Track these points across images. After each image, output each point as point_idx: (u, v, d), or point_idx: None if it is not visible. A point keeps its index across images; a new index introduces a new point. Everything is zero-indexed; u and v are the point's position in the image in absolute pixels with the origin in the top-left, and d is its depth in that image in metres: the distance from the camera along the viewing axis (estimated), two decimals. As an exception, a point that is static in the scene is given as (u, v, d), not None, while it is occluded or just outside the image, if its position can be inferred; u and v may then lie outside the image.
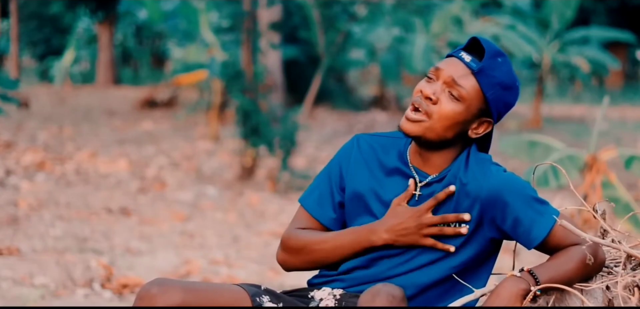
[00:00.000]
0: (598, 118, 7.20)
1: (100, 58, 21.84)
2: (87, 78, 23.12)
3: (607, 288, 2.34)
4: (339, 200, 2.53)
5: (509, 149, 7.87)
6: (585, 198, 6.75)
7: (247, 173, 10.03)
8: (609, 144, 9.56)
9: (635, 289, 2.34)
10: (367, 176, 2.50)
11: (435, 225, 2.39)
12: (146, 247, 6.75)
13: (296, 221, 2.56)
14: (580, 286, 2.33)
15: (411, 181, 2.41)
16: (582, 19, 23.07)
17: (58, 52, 22.29)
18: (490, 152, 2.52)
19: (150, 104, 17.05)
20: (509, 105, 2.44)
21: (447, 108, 2.38)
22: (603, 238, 2.42)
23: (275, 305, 2.42)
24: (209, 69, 13.36)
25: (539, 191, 2.42)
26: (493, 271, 2.50)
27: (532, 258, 5.36)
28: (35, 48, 23.55)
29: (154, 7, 20.91)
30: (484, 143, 2.50)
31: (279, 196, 9.32)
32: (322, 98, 17.95)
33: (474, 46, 2.42)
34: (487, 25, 18.44)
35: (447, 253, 2.41)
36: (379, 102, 19.42)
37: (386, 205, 2.45)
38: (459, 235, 2.38)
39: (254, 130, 9.72)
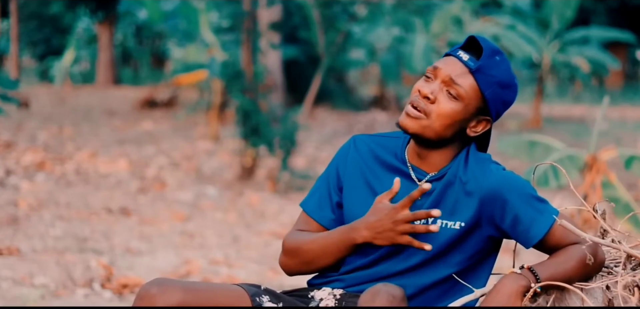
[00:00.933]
0: (598, 118, 7.20)
1: (100, 58, 21.84)
2: (87, 78, 23.12)
3: (607, 287, 2.34)
4: (337, 201, 2.53)
5: (509, 149, 7.87)
6: (585, 198, 6.75)
7: (247, 173, 10.03)
8: (609, 144, 9.56)
9: (635, 289, 2.34)
10: (365, 176, 2.50)
11: (408, 222, 2.38)
12: (146, 247, 6.75)
13: (297, 224, 2.58)
14: (580, 285, 2.33)
15: (396, 180, 2.40)
16: (582, 19, 23.07)
17: (58, 52, 22.29)
18: (489, 151, 2.52)
19: (150, 104, 17.05)
20: (507, 104, 2.44)
21: (446, 107, 2.38)
22: (603, 238, 2.42)
23: (275, 305, 2.42)
24: (209, 69, 13.36)
25: (539, 191, 2.42)
26: (493, 271, 2.50)
27: (532, 258, 5.35)
28: (35, 48, 23.55)
29: (154, 7, 20.91)
30: (483, 142, 2.50)
31: (279, 196, 9.32)
32: (322, 98, 17.95)
33: (472, 45, 2.42)
34: (487, 25, 18.44)
35: (446, 252, 2.41)
36: (379, 102, 19.42)
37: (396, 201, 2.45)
38: (429, 232, 2.36)
39: (254, 130, 9.71)
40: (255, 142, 9.80)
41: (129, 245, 6.77)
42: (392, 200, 2.42)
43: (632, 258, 2.39)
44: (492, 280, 2.47)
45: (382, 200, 2.40)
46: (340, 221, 2.53)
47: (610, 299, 2.33)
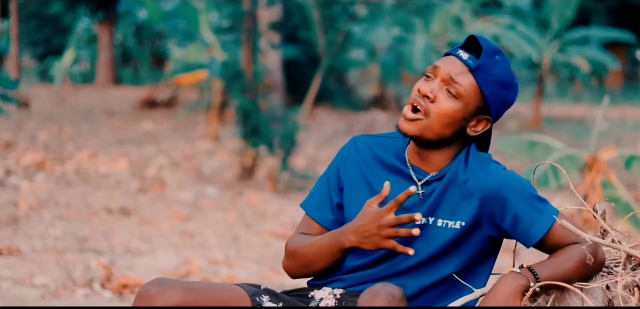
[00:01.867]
0: (598, 118, 7.20)
1: (100, 58, 21.84)
2: (87, 78, 23.12)
3: (607, 287, 2.34)
4: (337, 202, 2.53)
5: (509, 149, 7.87)
6: (585, 198, 6.75)
7: (247, 173, 10.03)
8: (609, 144, 9.56)
9: (635, 289, 2.34)
10: (365, 177, 2.50)
11: (392, 225, 2.37)
12: (146, 247, 6.75)
13: (300, 226, 2.58)
14: (580, 285, 2.33)
15: (386, 184, 2.39)
16: (582, 19, 23.07)
17: (58, 52, 22.29)
18: (490, 151, 2.52)
19: (150, 104, 17.05)
20: (507, 103, 2.43)
21: (445, 106, 2.37)
22: (603, 238, 2.42)
23: (275, 305, 2.42)
24: (209, 69, 13.36)
25: (539, 191, 2.42)
26: (493, 271, 2.50)
27: (532, 258, 5.35)
28: (35, 48, 23.55)
29: (154, 7, 20.91)
30: (483, 142, 2.50)
31: (279, 196, 9.32)
32: (322, 98, 17.95)
33: (472, 45, 2.42)
34: (487, 25, 18.44)
35: (446, 252, 2.41)
36: (379, 102, 19.42)
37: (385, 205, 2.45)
38: (411, 236, 2.35)
39: (254, 130, 9.71)
40: (255, 142, 9.80)
41: (129, 245, 6.77)
42: (390, 198, 2.42)
43: (632, 258, 2.39)
44: (492, 280, 2.47)
45: (372, 204, 2.39)
46: (340, 222, 2.53)
47: (610, 299, 2.33)
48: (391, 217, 2.36)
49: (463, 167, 2.42)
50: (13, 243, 6.44)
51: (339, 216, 2.53)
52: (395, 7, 18.60)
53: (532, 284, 2.26)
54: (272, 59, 15.57)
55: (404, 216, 2.34)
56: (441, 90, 2.38)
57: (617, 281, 2.33)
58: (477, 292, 2.38)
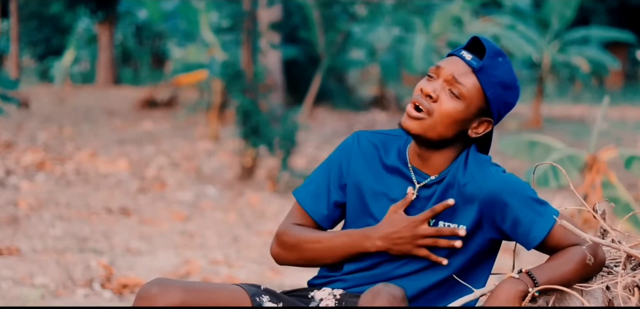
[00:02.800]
0: (598, 118, 7.20)
1: (100, 58, 21.83)
2: (87, 78, 23.11)
3: (607, 288, 2.34)
4: (336, 199, 2.52)
5: (509, 149, 7.87)
6: (585, 198, 6.75)
7: (247, 173, 10.03)
8: (609, 144, 9.56)
9: (635, 289, 2.34)
10: (367, 174, 2.49)
11: (430, 236, 2.38)
12: (146, 247, 6.75)
13: (291, 215, 2.55)
14: (580, 286, 2.33)
15: (410, 189, 2.39)
16: (582, 19, 23.07)
17: (58, 52, 22.28)
18: (490, 153, 2.52)
19: (150, 104, 17.04)
20: (509, 105, 2.43)
21: (448, 106, 2.37)
22: (603, 238, 2.42)
23: (275, 305, 2.42)
24: (209, 69, 13.36)
25: (539, 191, 2.42)
26: (493, 271, 2.50)
27: (532, 258, 5.36)
28: (35, 48, 23.53)
29: (154, 7, 20.90)
30: (484, 144, 2.50)
31: (279, 196, 9.32)
32: (322, 98, 17.94)
33: (475, 45, 2.42)
34: (487, 25, 18.43)
35: (449, 257, 2.41)
36: (379, 102, 19.41)
37: (386, 205, 2.45)
38: (453, 247, 2.37)
39: (254, 130, 9.71)
40: (255, 142, 9.79)
41: (129, 245, 6.77)
42: (390, 198, 2.42)
43: (632, 258, 2.39)
44: (491, 280, 2.47)
45: (398, 211, 2.40)
46: (332, 218, 2.52)
47: (610, 300, 2.33)
48: (428, 228, 2.37)
49: (462, 170, 2.42)
50: (13, 243, 6.44)
51: (333, 213, 2.52)
52: (395, 7, 18.59)
53: (530, 289, 2.26)
54: (272, 59, 15.56)
55: (446, 230, 2.36)
56: (444, 90, 2.38)
57: (617, 281, 2.33)
58: (477, 292, 2.38)
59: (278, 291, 2.48)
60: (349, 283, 2.46)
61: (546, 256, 2.39)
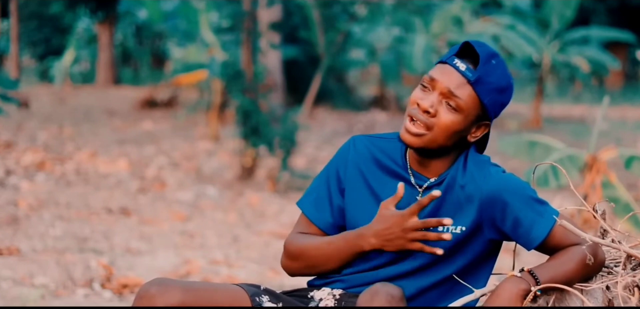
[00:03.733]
0: (598, 118, 7.20)
1: (100, 58, 21.84)
2: (87, 78, 23.10)
3: (607, 288, 2.34)
4: (338, 204, 2.52)
5: (509, 149, 7.87)
6: (585, 198, 6.75)
7: (247, 173, 10.03)
8: (609, 144, 9.56)
9: (635, 289, 2.34)
10: (365, 178, 2.49)
11: (419, 229, 2.37)
12: (146, 247, 6.75)
13: (298, 225, 2.57)
14: (580, 286, 2.33)
15: (400, 185, 2.38)
16: (582, 19, 23.07)
17: (58, 52, 22.27)
18: (490, 152, 2.51)
19: (150, 104, 17.04)
20: (505, 105, 2.44)
21: (447, 119, 2.36)
22: (603, 238, 2.42)
23: (274, 305, 2.42)
24: (209, 69, 13.36)
25: (539, 191, 2.42)
26: (493, 272, 2.50)
27: (532, 258, 5.36)
28: (35, 48, 23.53)
29: (154, 7, 20.91)
30: (481, 144, 2.50)
31: (279, 196, 9.32)
32: (322, 98, 17.95)
33: (466, 48, 2.41)
34: (487, 25, 18.43)
35: (447, 255, 2.41)
36: (379, 102, 19.42)
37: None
38: (441, 240, 2.36)
39: (254, 130, 9.71)
40: (255, 142, 9.79)
41: (129, 245, 6.77)
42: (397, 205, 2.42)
43: (632, 258, 2.39)
44: (492, 280, 2.47)
45: (388, 207, 2.39)
46: (338, 225, 2.53)
47: (610, 300, 2.33)
48: (416, 221, 2.36)
49: (462, 171, 2.42)
50: (13, 243, 6.44)
51: (338, 220, 2.52)
52: (395, 7, 18.60)
53: (532, 287, 2.26)
54: (272, 59, 15.56)
55: (433, 220, 2.35)
56: (441, 103, 2.37)
57: (617, 281, 2.33)
58: (477, 292, 2.38)
59: (278, 291, 2.48)
60: (348, 283, 2.47)
61: (546, 257, 2.39)
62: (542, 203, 2.37)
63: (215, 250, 6.86)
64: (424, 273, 2.43)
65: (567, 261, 2.31)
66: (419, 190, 2.44)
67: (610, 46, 23.12)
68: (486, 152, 2.53)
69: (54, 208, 7.93)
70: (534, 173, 2.69)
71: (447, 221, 2.33)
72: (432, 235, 2.36)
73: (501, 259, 2.88)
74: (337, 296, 2.45)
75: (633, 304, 2.31)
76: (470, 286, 2.40)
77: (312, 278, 2.56)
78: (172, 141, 12.74)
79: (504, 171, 2.42)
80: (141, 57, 25.51)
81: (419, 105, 2.37)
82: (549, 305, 2.30)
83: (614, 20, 25.35)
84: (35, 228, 7.03)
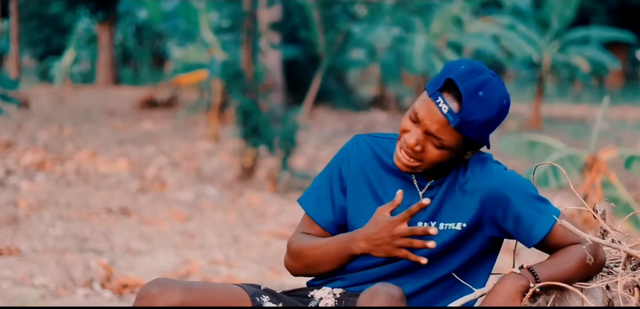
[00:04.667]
0: (598, 118, 7.20)
1: (100, 58, 21.84)
2: (87, 78, 23.11)
3: (607, 287, 2.35)
4: (340, 203, 2.52)
5: (509, 149, 7.87)
6: (585, 198, 6.75)
7: (247, 173, 10.03)
8: (609, 144, 9.56)
9: (635, 289, 2.34)
10: (367, 177, 2.49)
11: (406, 236, 2.37)
12: (146, 247, 6.75)
13: (300, 225, 2.57)
14: (580, 285, 2.33)
15: (399, 193, 2.38)
16: (582, 19, 23.07)
17: (58, 52, 22.28)
18: (490, 151, 2.51)
19: (150, 104, 17.05)
20: (498, 126, 2.39)
21: (434, 155, 2.35)
22: (603, 238, 2.42)
23: (275, 305, 2.42)
24: (209, 69, 13.36)
25: (539, 191, 2.42)
26: (493, 271, 2.51)
27: (532, 258, 5.36)
28: (35, 48, 23.53)
29: (154, 7, 20.91)
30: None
31: (279, 196, 9.32)
32: (322, 98, 17.95)
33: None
34: (487, 25, 18.44)
35: (447, 252, 2.41)
36: (379, 102, 19.42)
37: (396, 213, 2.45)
38: (426, 248, 2.35)
39: (254, 130, 9.71)
40: (255, 142, 9.79)
41: (129, 245, 6.77)
42: (394, 211, 2.42)
43: (632, 258, 2.39)
44: (492, 280, 2.47)
45: (383, 212, 2.39)
46: (339, 224, 2.53)
47: (610, 299, 2.33)
48: (404, 228, 2.35)
49: (463, 169, 2.42)
50: (13, 243, 6.44)
51: (339, 218, 2.52)
52: (395, 7, 18.60)
53: (532, 285, 2.26)
54: (272, 59, 15.56)
55: (419, 228, 2.34)
56: (427, 140, 2.35)
57: (617, 281, 2.33)
58: (477, 292, 2.38)
59: (278, 291, 2.48)
60: (348, 281, 2.47)
61: (546, 256, 2.40)
62: (543, 201, 2.37)
63: (215, 249, 6.87)
64: (423, 271, 2.43)
65: (567, 260, 2.32)
66: (420, 190, 2.44)
67: (610, 46, 23.12)
68: (486, 152, 2.53)
69: (54, 208, 7.93)
70: (534, 173, 2.69)
71: (433, 230, 2.32)
72: (417, 243, 2.35)
73: (501, 259, 2.88)
74: (338, 295, 2.45)
75: (633, 304, 2.31)
76: (469, 286, 2.40)
77: (312, 277, 2.57)
78: (172, 141, 12.74)
79: (505, 169, 2.42)
80: (141, 57, 25.52)
81: (407, 143, 2.36)
82: (549, 304, 2.30)
83: (614, 20, 25.35)
84: (35, 228, 7.03)
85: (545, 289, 2.30)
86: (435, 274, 2.43)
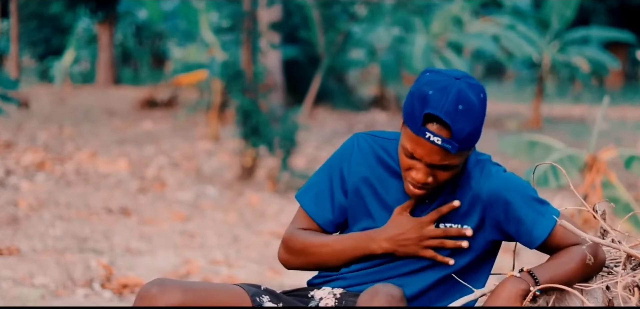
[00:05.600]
0: (598, 118, 7.20)
1: (100, 58, 21.84)
2: (87, 78, 23.11)
3: (607, 288, 2.35)
4: (341, 202, 2.51)
5: (509, 149, 7.87)
6: (585, 198, 6.75)
7: (247, 173, 10.03)
8: (609, 144, 9.56)
9: (635, 289, 2.34)
10: (368, 176, 2.49)
11: (436, 237, 2.39)
12: (146, 247, 6.75)
13: (296, 220, 2.55)
14: (580, 286, 2.33)
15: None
16: (582, 19, 23.08)
17: (58, 52, 22.28)
18: (490, 152, 2.51)
19: (150, 104, 17.05)
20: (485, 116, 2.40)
21: (446, 175, 2.34)
22: (603, 238, 2.42)
23: (275, 305, 2.42)
24: (209, 69, 13.36)
25: (539, 191, 2.42)
26: (493, 271, 2.51)
27: (532, 258, 5.36)
28: (35, 48, 23.54)
29: (154, 7, 20.91)
30: None
31: (279, 196, 9.32)
32: (322, 98, 17.95)
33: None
34: (487, 25, 18.44)
35: (452, 257, 2.41)
36: (379, 102, 19.42)
37: (386, 208, 2.44)
38: (460, 248, 2.37)
39: (254, 130, 9.71)
40: (255, 142, 9.79)
41: (129, 245, 6.77)
42: (391, 201, 2.41)
43: (632, 258, 2.39)
44: (492, 280, 2.47)
45: (403, 213, 2.40)
46: (337, 223, 2.52)
47: (610, 300, 2.33)
48: (435, 229, 2.38)
49: (463, 169, 2.42)
50: (13, 243, 6.44)
51: (338, 217, 2.52)
52: (395, 7, 18.60)
53: (532, 288, 2.26)
54: (272, 59, 15.56)
55: (453, 230, 2.36)
56: (434, 170, 2.33)
57: (617, 281, 2.33)
58: (477, 292, 2.38)
59: (278, 291, 2.48)
60: (348, 281, 2.46)
61: (546, 257, 2.40)
62: (543, 203, 2.37)
63: (215, 250, 6.87)
64: (424, 273, 2.43)
65: (567, 261, 2.32)
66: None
67: (610, 46, 23.12)
68: (486, 152, 2.53)
69: (54, 208, 7.93)
70: (534, 173, 2.69)
71: (469, 231, 2.34)
72: (450, 243, 2.38)
73: (501, 259, 2.88)
74: (338, 295, 2.45)
75: (633, 304, 2.31)
76: (470, 286, 2.40)
77: (311, 276, 2.56)
78: (172, 141, 12.75)
79: (504, 171, 2.42)
80: (141, 57, 25.52)
81: (416, 180, 2.34)
82: (549, 305, 2.30)
83: (614, 20, 25.36)
84: (35, 228, 7.03)
85: (546, 291, 2.30)
86: (436, 275, 2.43)
